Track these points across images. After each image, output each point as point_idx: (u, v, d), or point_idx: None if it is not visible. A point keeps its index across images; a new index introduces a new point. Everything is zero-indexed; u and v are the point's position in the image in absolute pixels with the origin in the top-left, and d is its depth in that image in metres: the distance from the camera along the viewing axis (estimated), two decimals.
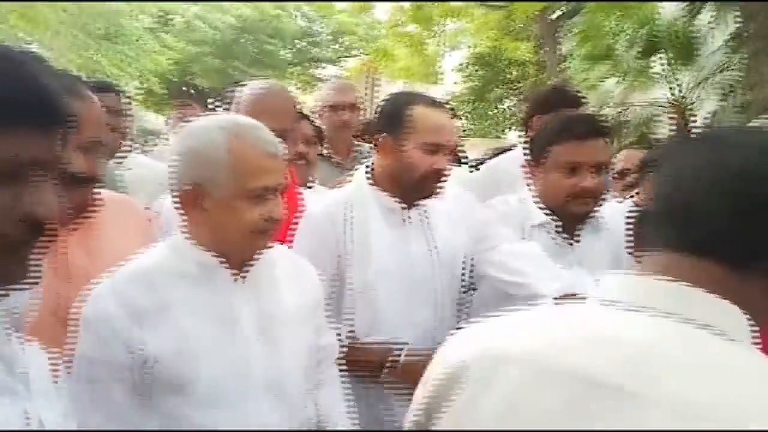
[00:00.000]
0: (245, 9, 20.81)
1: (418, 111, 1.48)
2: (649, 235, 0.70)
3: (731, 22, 8.58)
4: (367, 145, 2.60)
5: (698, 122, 11.04)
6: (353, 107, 2.53)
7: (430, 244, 1.58)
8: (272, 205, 1.18)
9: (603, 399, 0.58)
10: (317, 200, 2.00)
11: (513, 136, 23.80)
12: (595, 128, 1.56)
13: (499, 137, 23.28)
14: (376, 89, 32.83)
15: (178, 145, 1.21)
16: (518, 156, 2.13)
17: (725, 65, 9.91)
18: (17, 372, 0.66)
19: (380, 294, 1.53)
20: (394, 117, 1.51)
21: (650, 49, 10.58)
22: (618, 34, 11.35)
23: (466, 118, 23.87)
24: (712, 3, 9.66)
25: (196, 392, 1.14)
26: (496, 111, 23.24)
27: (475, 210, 1.70)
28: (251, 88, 1.68)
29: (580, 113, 1.79)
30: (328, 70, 26.55)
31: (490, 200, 1.75)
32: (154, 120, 36.40)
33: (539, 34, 17.98)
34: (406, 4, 12.02)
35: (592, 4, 10.52)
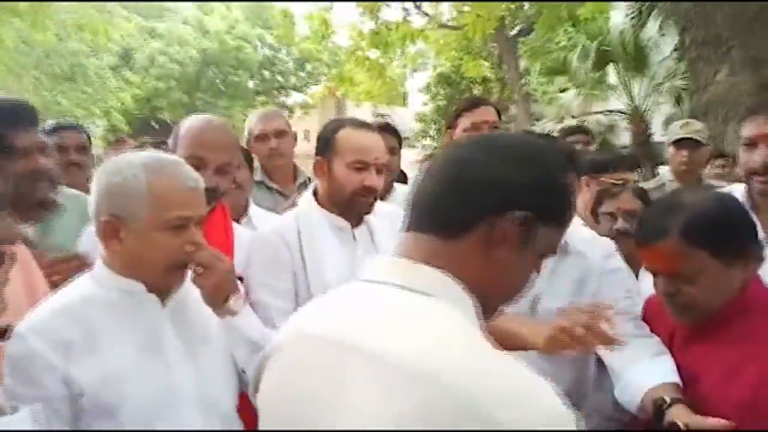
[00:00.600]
0: (207, 42, 20.85)
1: (344, 133, 1.56)
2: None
3: (676, 32, 8.95)
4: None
5: (655, 129, 11.41)
6: (282, 133, 2.48)
7: None
8: (189, 236, 1.21)
9: (349, 355, 0.73)
10: (260, 222, 2.03)
11: None
12: None
13: None
14: (342, 113, 33.09)
15: (99, 177, 1.24)
16: None
17: (675, 71, 10.27)
18: None
19: None
20: (326, 141, 1.59)
21: (603, 60, 10.93)
22: (572, 49, 11.70)
23: (432, 137, 24.26)
24: (656, 12, 10.06)
25: (127, 416, 1.17)
26: None
27: None
28: (190, 123, 1.65)
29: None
30: (293, 97, 26.74)
31: None
32: None
33: (499, 52, 18.43)
34: (365, 30, 12.20)
35: (542, 19, 10.83)
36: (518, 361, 0.68)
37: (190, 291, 1.30)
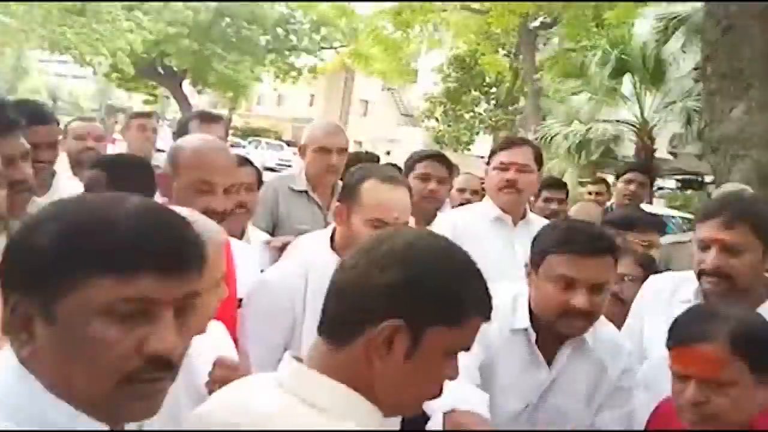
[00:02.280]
0: None
1: (368, 186, 1.49)
2: None
3: (699, 51, 8.87)
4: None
5: (660, 144, 11.39)
6: (343, 151, 2.35)
7: None
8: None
9: None
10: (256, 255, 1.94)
11: (484, 141, 24.07)
12: (597, 245, 1.36)
13: (469, 143, 23.49)
14: (351, 84, 32.66)
15: None
16: (486, 209, 2.11)
17: (691, 91, 10.22)
18: None
19: None
20: (350, 189, 1.53)
21: (621, 69, 10.83)
22: (592, 50, 11.58)
23: (438, 119, 24.08)
24: (683, 30, 9.95)
25: None
26: (471, 114, 23.50)
27: None
28: (191, 146, 1.58)
29: (586, 225, 1.53)
30: (303, 59, 26.35)
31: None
32: (124, 97, 35.52)
33: (517, 42, 18.19)
34: (387, 6, 11.98)
35: (569, 15, 10.67)
36: None
37: None
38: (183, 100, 26.10)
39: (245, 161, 2.00)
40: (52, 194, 1.91)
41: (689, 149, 11.28)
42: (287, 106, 37.61)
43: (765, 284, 1.53)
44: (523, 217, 2.10)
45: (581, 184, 13.09)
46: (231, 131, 33.34)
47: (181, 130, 2.42)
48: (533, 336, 1.44)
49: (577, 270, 1.33)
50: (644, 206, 3.81)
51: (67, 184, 2.10)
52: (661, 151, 12.00)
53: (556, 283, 1.34)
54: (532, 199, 3.05)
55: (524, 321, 1.44)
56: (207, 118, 2.47)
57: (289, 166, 23.44)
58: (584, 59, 11.46)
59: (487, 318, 0.80)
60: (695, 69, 9.69)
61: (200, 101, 32.94)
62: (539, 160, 2.12)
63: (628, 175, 3.31)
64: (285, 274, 1.55)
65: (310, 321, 1.41)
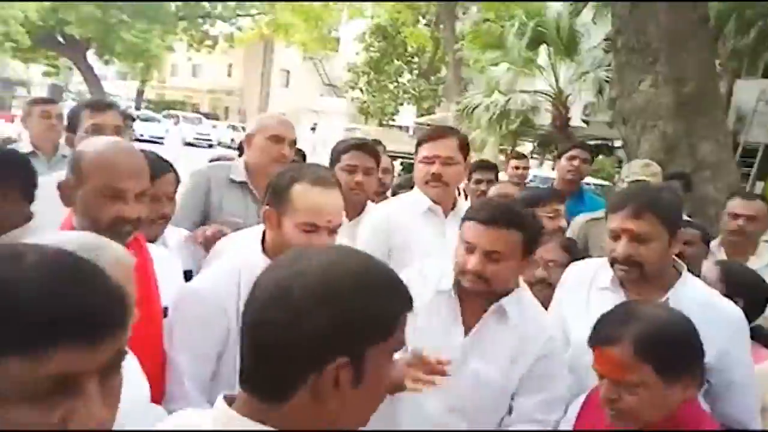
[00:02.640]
0: None
1: (299, 190, 1.46)
2: None
3: (609, 23, 9.21)
4: None
5: (573, 114, 11.85)
6: (293, 144, 2.29)
7: None
8: None
9: None
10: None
11: (408, 111, 24.18)
12: (495, 216, 1.50)
13: (393, 114, 23.52)
14: (270, 54, 31.65)
15: None
16: (417, 200, 2.09)
17: (602, 62, 10.64)
18: None
19: None
20: (279, 193, 1.49)
21: (537, 40, 11.10)
22: (510, 19, 11.75)
23: (362, 90, 23.89)
24: (593, 3, 10.28)
25: None
26: (395, 84, 23.47)
27: None
28: (95, 149, 1.41)
29: (499, 201, 1.72)
30: (220, 27, 25.21)
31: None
32: (21, 70, 32.71)
33: (437, 11, 18.24)
34: None
35: None
36: None
37: None
38: (88, 71, 24.36)
39: (166, 167, 1.79)
40: None
41: (600, 117, 11.80)
42: (204, 77, 36.00)
43: (673, 269, 1.61)
44: (453, 206, 2.11)
45: (502, 152, 13.45)
46: (144, 104, 31.67)
47: (72, 122, 2.22)
48: (456, 299, 1.56)
49: (473, 235, 1.48)
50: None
51: None
52: (575, 120, 12.50)
53: (462, 245, 1.51)
54: (465, 182, 3.19)
55: (448, 283, 1.56)
56: (98, 107, 2.25)
57: (209, 140, 22.59)
58: (502, 30, 11.66)
59: (411, 308, 0.81)
60: (605, 40, 10.08)
61: (107, 72, 30.95)
62: (465, 149, 2.11)
63: (571, 152, 3.37)
64: (217, 281, 1.48)
65: None
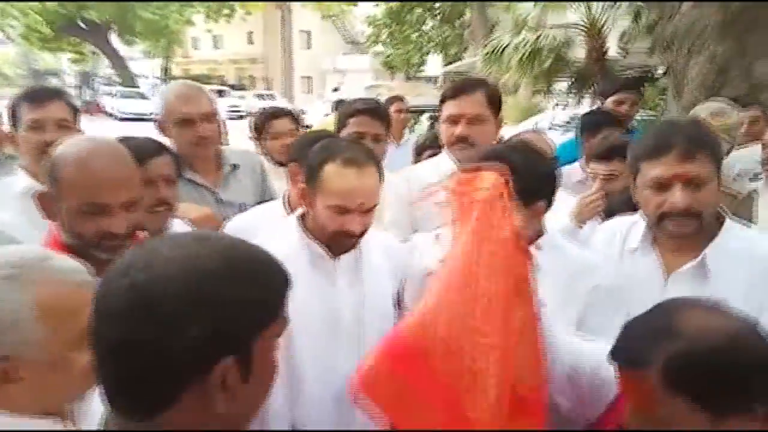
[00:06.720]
0: None
1: (331, 170, 1.41)
2: None
3: None
4: (229, 150, 2.22)
5: (610, 44, 11.23)
6: (209, 116, 2.02)
7: (360, 293, 1.51)
8: None
9: None
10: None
11: (434, 61, 23.45)
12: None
13: (420, 65, 22.81)
14: (288, 16, 31.05)
15: None
16: (441, 163, 1.92)
17: None
18: None
19: (302, 342, 1.43)
20: (312, 171, 1.44)
21: None
22: None
23: (384, 43, 23.19)
24: None
25: None
26: (418, 33, 22.70)
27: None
28: (75, 158, 1.24)
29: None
30: None
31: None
32: (50, 59, 33.14)
33: None
34: None
35: None
36: None
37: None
38: (113, 54, 24.48)
39: (160, 149, 1.63)
40: None
41: (639, 45, 11.17)
42: (226, 48, 35.82)
43: (715, 216, 1.41)
44: None
45: (536, 93, 12.92)
46: (170, 81, 31.68)
47: (13, 116, 1.91)
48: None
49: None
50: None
51: None
52: (612, 51, 11.87)
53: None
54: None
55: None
56: (37, 98, 1.89)
57: (239, 112, 22.46)
58: None
59: (289, 284, 0.76)
60: None
61: (133, 53, 31.06)
62: (495, 103, 1.89)
63: (617, 96, 3.13)
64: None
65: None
